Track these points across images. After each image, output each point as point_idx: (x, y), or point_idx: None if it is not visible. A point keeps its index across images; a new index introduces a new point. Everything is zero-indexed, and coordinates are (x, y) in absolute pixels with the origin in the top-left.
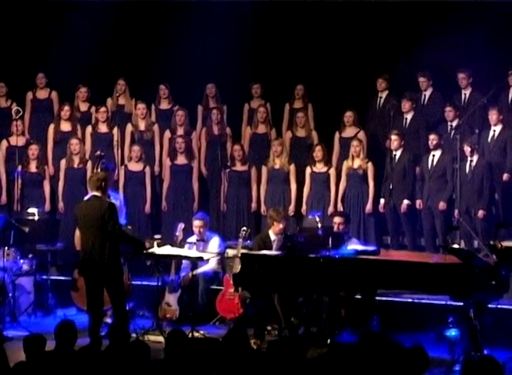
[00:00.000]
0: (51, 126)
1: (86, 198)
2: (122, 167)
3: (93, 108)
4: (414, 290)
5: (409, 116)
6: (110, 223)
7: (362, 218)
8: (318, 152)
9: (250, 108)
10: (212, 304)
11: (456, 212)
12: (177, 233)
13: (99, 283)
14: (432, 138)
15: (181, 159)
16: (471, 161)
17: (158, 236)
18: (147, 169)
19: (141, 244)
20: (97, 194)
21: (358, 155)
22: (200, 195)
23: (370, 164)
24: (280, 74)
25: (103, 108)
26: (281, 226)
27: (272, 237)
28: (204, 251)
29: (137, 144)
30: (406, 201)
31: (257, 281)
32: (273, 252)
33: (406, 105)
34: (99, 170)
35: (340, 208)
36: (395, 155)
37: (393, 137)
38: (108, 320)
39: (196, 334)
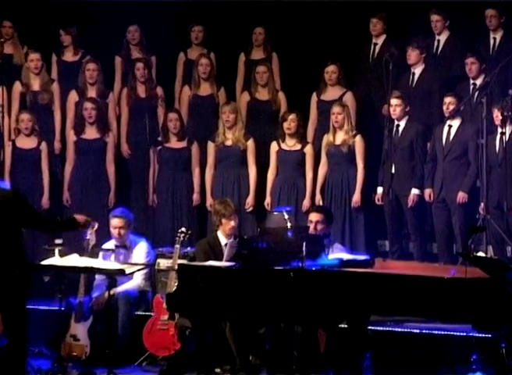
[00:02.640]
0: None
1: None
2: (9, 143)
3: None
4: (422, 316)
5: (417, 71)
6: (29, 216)
7: (349, 214)
8: (290, 123)
9: (188, 60)
10: (138, 336)
11: (481, 206)
12: (87, 237)
13: None
14: (448, 102)
15: (91, 132)
16: (503, 134)
17: (59, 241)
18: (44, 147)
19: (72, 220)
20: None
21: (342, 125)
22: (119, 183)
23: (359, 138)
24: (231, 13)
25: None
26: (232, 223)
27: (223, 240)
28: (126, 261)
29: (28, 112)
30: (415, 191)
31: (200, 304)
32: (223, 263)
33: (412, 55)
34: None
35: (319, 201)
36: (397, 125)
37: (394, 100)
38: None
39: None
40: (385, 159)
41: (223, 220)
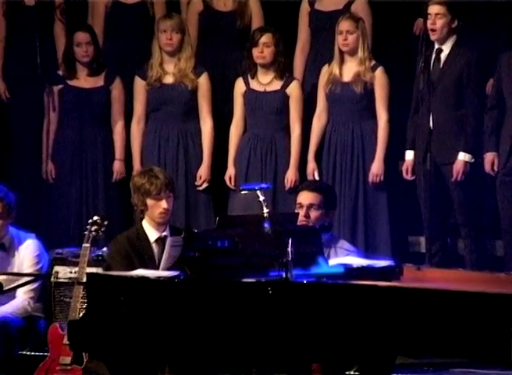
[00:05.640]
0: None
1: None
2: None
3: None
4: (479, 359)
5: None
6: None
7: (363, 195)
8: (264, 48)
9: None
10: None
11: None
12: None
13: None
14: None
15: None
16: None
17: None
18: None
19: None
20: None
21: (354, 51)
22: None
23: (380, 72)
24: None
25: None
26: (163, 204)
27: (152, 233)
28: (5, 270)
29: None
30: (464, 157)
31: (123, 338)
32: (160, 273)
33: None
34: None
35: (313, 172)
36: (439, 51)
37: (435, 8)
38: None
39: None
40: (418, 106)
41: (149, 201)
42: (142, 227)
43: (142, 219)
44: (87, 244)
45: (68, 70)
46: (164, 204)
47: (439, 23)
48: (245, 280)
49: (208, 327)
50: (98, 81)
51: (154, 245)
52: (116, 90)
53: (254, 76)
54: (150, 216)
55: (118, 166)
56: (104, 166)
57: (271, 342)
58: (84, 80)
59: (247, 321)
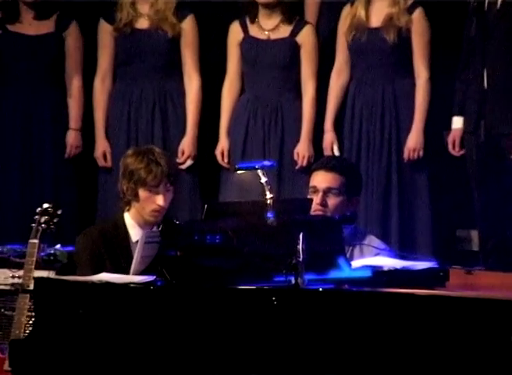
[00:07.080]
0: None
1: None
2: None
3: None
4: None
5: None
6: None
7: (397, 176)
8: None
9: None
10: None
11: None
12: None
13: None
14: None
15: None
16: None
17: None
18: None
19: None
20: None
21: None
22: None
23: (419, 15)
24: None
25: None
26: (160, 201)
27: (135, 232)
28: None
29: None
30: None
31: (80, 362)
32: (131, 278)
33: None
34: None
35: (330, 146)
36: None
37: None
38: None
39: None
40: (470, 60)
41: (142, 192)
42: (123, 221)
43: (124, 210)
44: (36, 240)
45: (8, 12)
46: (160, 200)
47: None
48: (242, 286)
49: (193, 347)
50: (48, 26)
51: (135, 246)
52: (72, 38)
53: (254, 19)
54: (139, 211)
55: (73, 137)
56: (54, 138)
57: (276, 366)
58: (29, 25)
59: (245, 340)
